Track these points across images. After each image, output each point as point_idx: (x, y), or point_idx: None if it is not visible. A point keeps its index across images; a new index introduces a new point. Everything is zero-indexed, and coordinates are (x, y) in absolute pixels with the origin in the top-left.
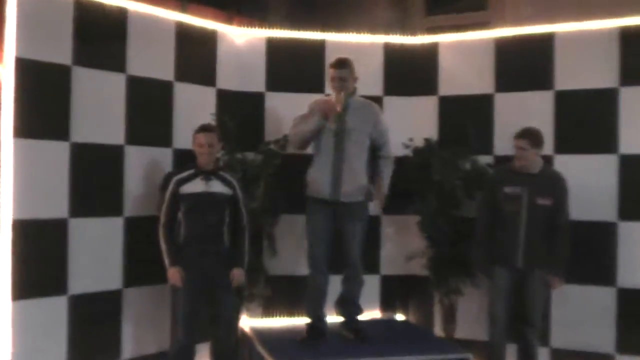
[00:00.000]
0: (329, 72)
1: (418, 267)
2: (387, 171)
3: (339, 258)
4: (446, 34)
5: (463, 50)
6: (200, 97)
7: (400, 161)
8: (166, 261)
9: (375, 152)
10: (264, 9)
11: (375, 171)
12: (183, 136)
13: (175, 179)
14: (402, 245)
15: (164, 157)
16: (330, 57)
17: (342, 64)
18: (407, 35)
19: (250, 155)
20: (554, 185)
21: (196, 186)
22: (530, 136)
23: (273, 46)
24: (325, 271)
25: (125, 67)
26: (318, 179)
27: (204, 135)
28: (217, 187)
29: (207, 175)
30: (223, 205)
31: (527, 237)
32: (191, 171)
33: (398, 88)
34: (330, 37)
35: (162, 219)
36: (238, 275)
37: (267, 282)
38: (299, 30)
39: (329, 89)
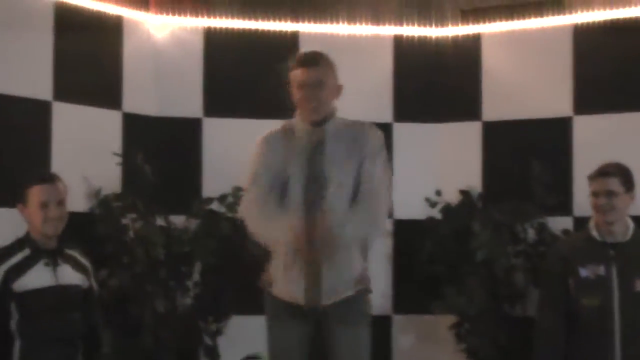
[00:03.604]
0: (291, 76)
1: None
2: (358, 218)
3: None
4: (494, 22)
5: (522, 47)
6: (96, 126)
7: (421, 228)
8: None
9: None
10: None
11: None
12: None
13: (3, 267)
14: None
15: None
16: None
17: (314, 61)
18: (431, 24)
19: (179, 221)
20: None
21: (40, 276)
22: (622, 173)
23: (215, 43)
24: None
25: None
26: (281, 274)
27: (46, 188)
28: (68, 275)
29: (53, 256)
30: (79, 306)
31: (625, 350)
32: (25, 252)
33: (416, 110)
34: (307, 27)
35: None
36: None
37: None
38: (256, 17)
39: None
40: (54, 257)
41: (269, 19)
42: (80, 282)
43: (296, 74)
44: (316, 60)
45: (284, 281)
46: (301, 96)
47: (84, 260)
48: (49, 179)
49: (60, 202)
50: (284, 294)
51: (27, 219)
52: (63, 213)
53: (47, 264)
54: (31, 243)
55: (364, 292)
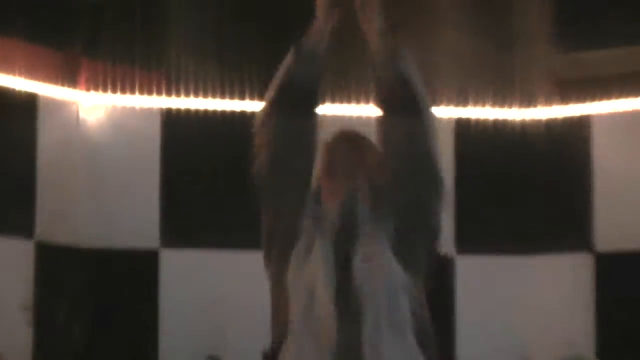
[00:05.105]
0: (320, 157)
1: None
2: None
3: None
4: (609, 98)
5: None
6: None
7: None
8: None
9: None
10: (155, 42)
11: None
12: None
13: None
14: None
15: None
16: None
17: (354, 143)
18: (512, 102)
19: None
20: None
21: None
22: None
23: (178, 133)
24: None
25: None
26: None
27: None
28: None
29: None
30: None
31: None
32: None
33: (489, 235)
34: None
35: None
36: None
37: None
38: (241, 95)
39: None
40: None
41: (255, 98)
42: None
43: (325, 156)
44: (357, 144)
45: None
46: (328, 186)
47: None
48: None
49: None
50: None
51: None
52: None
53: None
54: None
55: None
